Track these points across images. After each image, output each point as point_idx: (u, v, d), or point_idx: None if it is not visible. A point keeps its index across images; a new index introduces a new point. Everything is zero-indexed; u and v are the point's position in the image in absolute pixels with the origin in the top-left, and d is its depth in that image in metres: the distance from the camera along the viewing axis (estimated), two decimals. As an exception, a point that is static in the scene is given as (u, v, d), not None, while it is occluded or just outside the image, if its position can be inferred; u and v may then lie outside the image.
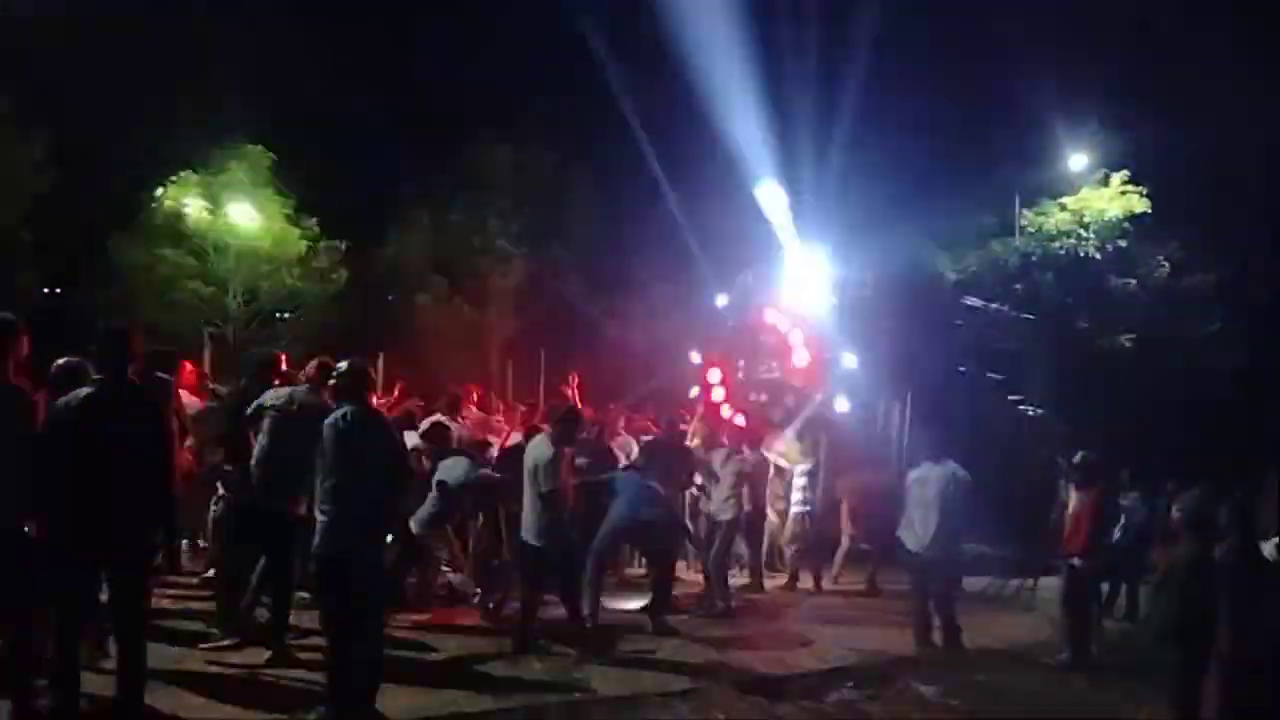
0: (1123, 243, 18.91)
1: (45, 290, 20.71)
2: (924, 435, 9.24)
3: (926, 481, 8.46)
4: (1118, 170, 18.92)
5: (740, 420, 12.63)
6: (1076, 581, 8.48)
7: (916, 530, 8.43)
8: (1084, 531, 8.45)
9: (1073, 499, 8.95)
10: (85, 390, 4.80)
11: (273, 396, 6.76)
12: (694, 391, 13.80)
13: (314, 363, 6.98)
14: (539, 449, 7.47)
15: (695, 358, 14.17)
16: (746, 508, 10.13)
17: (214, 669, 6.25)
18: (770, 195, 14.48)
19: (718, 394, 13.85)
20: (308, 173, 21.06)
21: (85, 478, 4.66)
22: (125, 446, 4.74)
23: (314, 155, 21.25)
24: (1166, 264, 19.47)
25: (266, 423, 6.62)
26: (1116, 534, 10.14)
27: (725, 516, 9.73)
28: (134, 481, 4.73)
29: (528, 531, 7.47)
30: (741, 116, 16.70)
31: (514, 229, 24.38)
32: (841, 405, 12.76)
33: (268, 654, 6.41)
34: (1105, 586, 9.98)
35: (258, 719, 5.39)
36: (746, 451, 10.39)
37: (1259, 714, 5.86)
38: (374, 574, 5.50)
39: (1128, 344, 18.70)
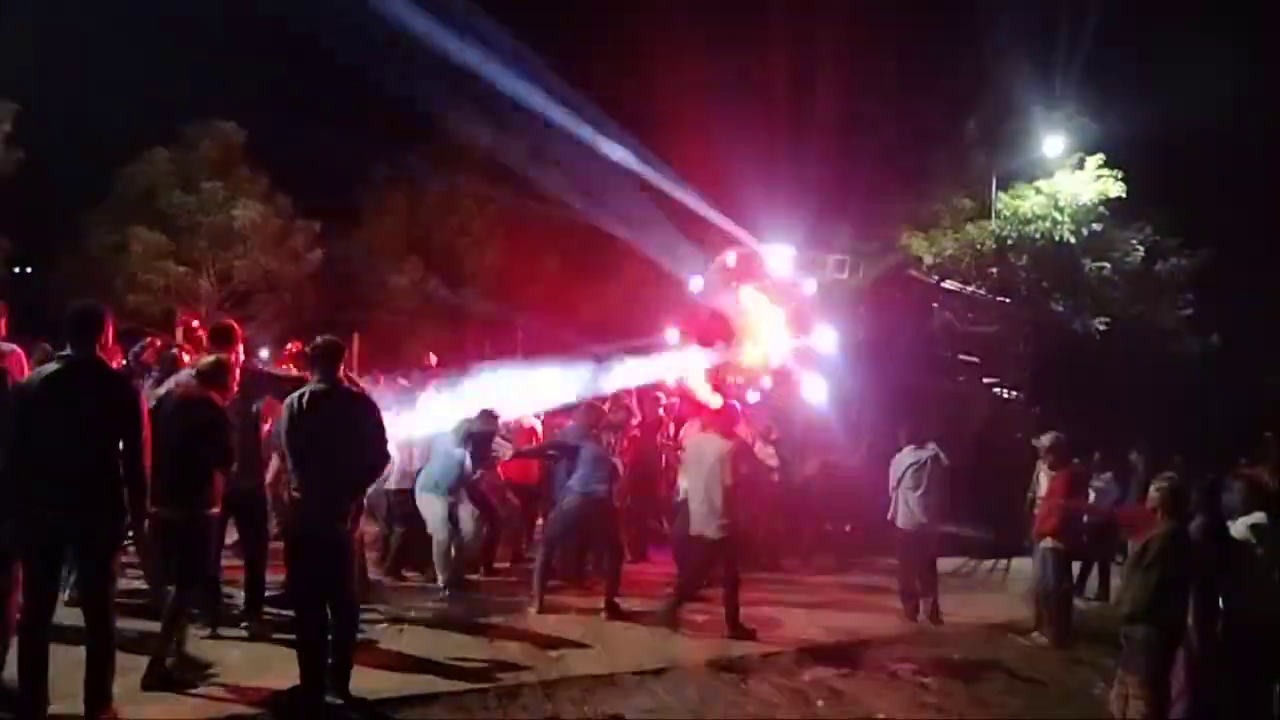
0: (1097, 226, 19.01)
1: (14, 270, 20.41)
2: (908, 421, 9.36)
3: (913, 465, 8.91)
4: (1093, 154, 19.01)
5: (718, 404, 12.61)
6: (1050, 562, 8.56)
7: (913, 510, 8.88)
8: (1056, 512, 8.53)
9: (1044, 480, 9.03)
10: (51, 366, 4.74)
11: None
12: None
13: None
14: (717, 444, 7.91)
15: (672, 336, 14.13)
16: None
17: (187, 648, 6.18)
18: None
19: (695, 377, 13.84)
20: (281, 151, 20.86)
21: (49, 454, 4.60)
22: (92, 424, 4.67)
23: (288, 133, 21.02)
24: (1140, 248, 19.61)
25: None
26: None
27: None
28: (99, 460, 4.67)
29: (703, 524, 7.82)
30: (720, 98, 16.69)
31: (490, 209, 24.28)
32: (816, 388, 12.77)
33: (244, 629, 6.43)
34: (1077, 566, 10.06)
35: (232, 698, 5.35)
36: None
37: (1225, 689, 5.95)
38: (343, 551, 5.46)
39: (1101, 327, 18.83)
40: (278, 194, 21.21)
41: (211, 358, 6.07)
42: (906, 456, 9.04)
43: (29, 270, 21.55)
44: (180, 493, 5.49)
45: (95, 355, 4.77)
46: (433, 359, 9.59)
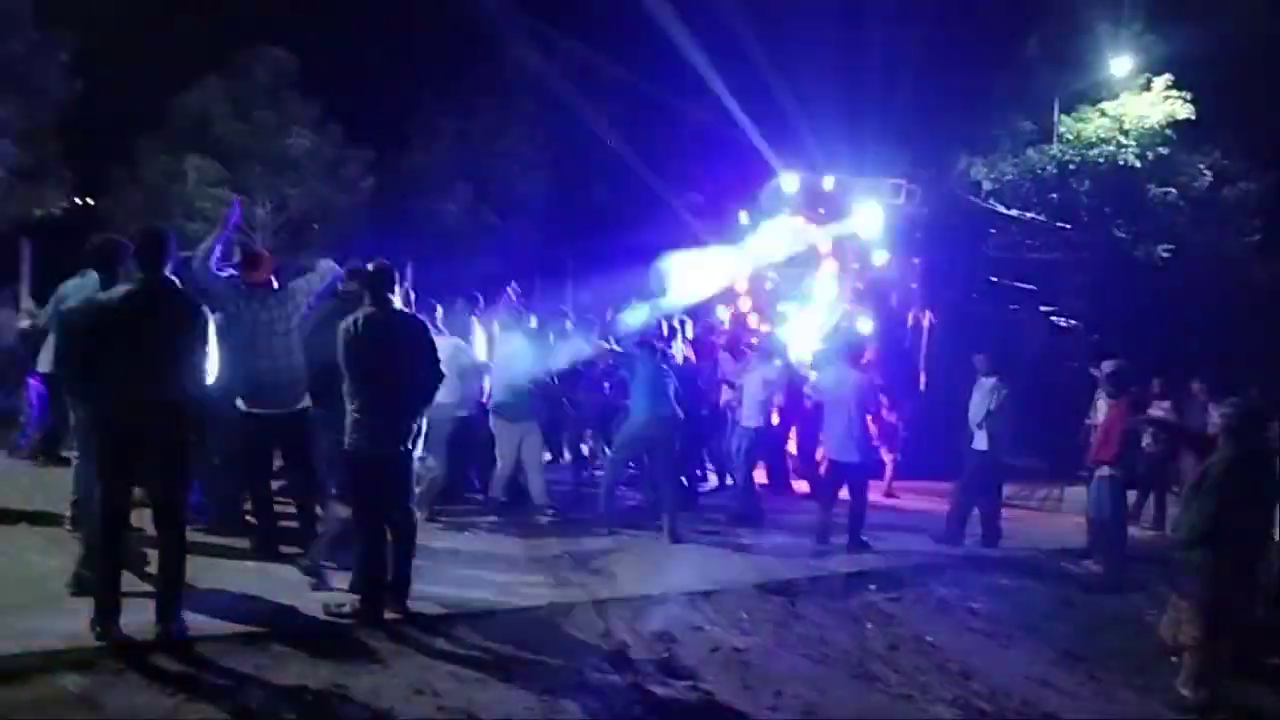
0: (1164, 150, 18.36)
1: (75, 199, 20.68)
2: (978, 351, 9.40)
3: (994, 391, 8.99)
4: (1161, 74, 18.33)
5: (766, 330, 12.59)
6: (1105, 489, 8.49)
7: (990, 435, 9.01)
8: (1114, 440, 8.44)
9: (1103, 408, 8.92)
10: (125, 287, 4.91)
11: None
12: (722, 311, 13.71)
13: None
14: (854, 376, 8.66)
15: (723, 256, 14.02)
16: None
17: (250, 563, 6.41)
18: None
19: (745, 304, 13.80)
20: (332, 78, 20.80)
21: (124, 370, 4.77)
22: (164, 341, 4.84)
23: (338, 60, 20.96)
24: (1208, 173, 18.94)
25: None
26: (1146, 442, 10.11)
27: (751, 424, 9.77)
28: (169, 375, 4.83)
29: (840, 450, 8.59)
30: (776, 21, 16.32)
31: (539, 135, 24.12)
32: (869, 316, 12.66)
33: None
34: (1132, 495, 9.97)
35: (294, 611, 5.52)
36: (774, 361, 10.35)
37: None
38: (402, 471, 5.58)
39: (1165, 255, 18.33)
40: (329, 122, 21.22)
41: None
42: (989, 383, 9.03)
43: (90, 201, 21.86)
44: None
45: (164, 276, 4.90)
46: (513, 291, 9.63)
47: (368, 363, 5.45)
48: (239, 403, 6.44)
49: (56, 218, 18.07)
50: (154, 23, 19.68)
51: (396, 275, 5.82)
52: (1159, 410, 10.81)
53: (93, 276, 5.96)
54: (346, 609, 5.46)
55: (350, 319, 5.53)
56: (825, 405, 8.89)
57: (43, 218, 17.70)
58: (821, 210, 13.64)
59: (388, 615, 5.50)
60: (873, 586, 7.45)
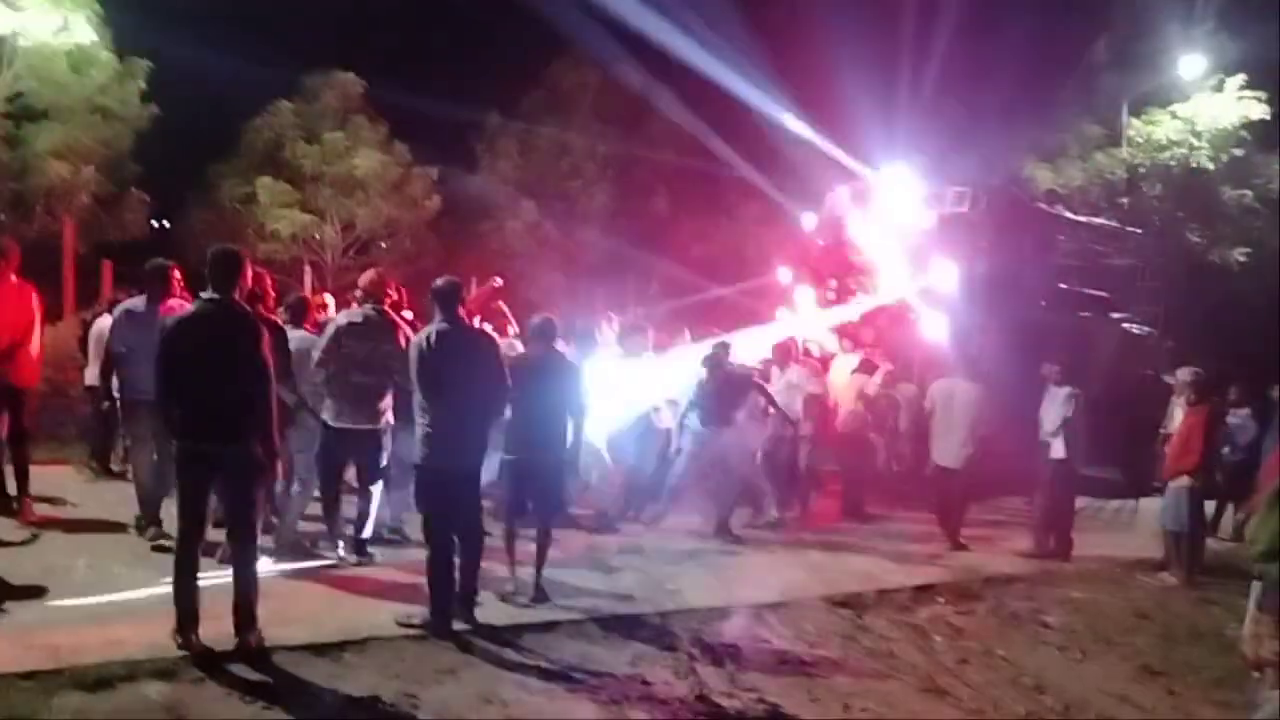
0: (1238, 152, 17.89)
1: (152, 223, 21.34)
2: (1061, 357, 9.42)
3: (1069, 401, 8.93)
4: (1234, 74, 17.86)
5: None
6: (1183, 500, 8.29)
7: (1065, 444, 9.02)
8: (1195, 450, 8.25)
9: (1180, 417, 8.71)
10: (195, 307, 5.05)
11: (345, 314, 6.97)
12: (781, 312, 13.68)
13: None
14: (966, 388, 9.13)
15: (784, 276, 14.00)
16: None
17: (323, 573, 6.56)
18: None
19: (806, 314, 13.73)
20: (397, 100, 21.25)
21: (191, 389, 4.92)
22: (226, 362, 4.95)
23: (403, 82, 21.39)
24: (1286, 175, 18.40)
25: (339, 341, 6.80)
26: (1225, 452, 9.85)
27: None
28: (234, 395, 4.94)
29: (949, 457, 9.11)
30: (831, 28, 16.27)
31: (600, 151, 24.29)
32: (935, 326, 12.51)
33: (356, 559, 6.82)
34: (1211, 506, 9.72)
35: (364, 621, 5.61)
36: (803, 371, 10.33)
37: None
38: (471, 483, 5.67)
39: (1241, 259, 17.84)
40: (395, 143, 21.64)
41: (540, 317, 6.68)
42: (1063, 392, 8.96)
43: (166, 224, 22.54)
44: (552, 438, 6.22)
45: (230, 297, 5.01)
46: (613, 322, 9.83)
47: (438, 377, 5.55)
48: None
49: (135, 241, 18.66)
50: (226, 51, 20.24)
51: (461, 291, 5.92)
52: (1236, 418, 10.53)
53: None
54: (416, 620, 5.55)
55: (422, 334, 5.64)
56: (936, 414, 9.32)
57: (122, 241, 18.28)
58: (882, 218, 13.53)
59: (456, 626, 5.58)
60: (941, 599, 7.35)
